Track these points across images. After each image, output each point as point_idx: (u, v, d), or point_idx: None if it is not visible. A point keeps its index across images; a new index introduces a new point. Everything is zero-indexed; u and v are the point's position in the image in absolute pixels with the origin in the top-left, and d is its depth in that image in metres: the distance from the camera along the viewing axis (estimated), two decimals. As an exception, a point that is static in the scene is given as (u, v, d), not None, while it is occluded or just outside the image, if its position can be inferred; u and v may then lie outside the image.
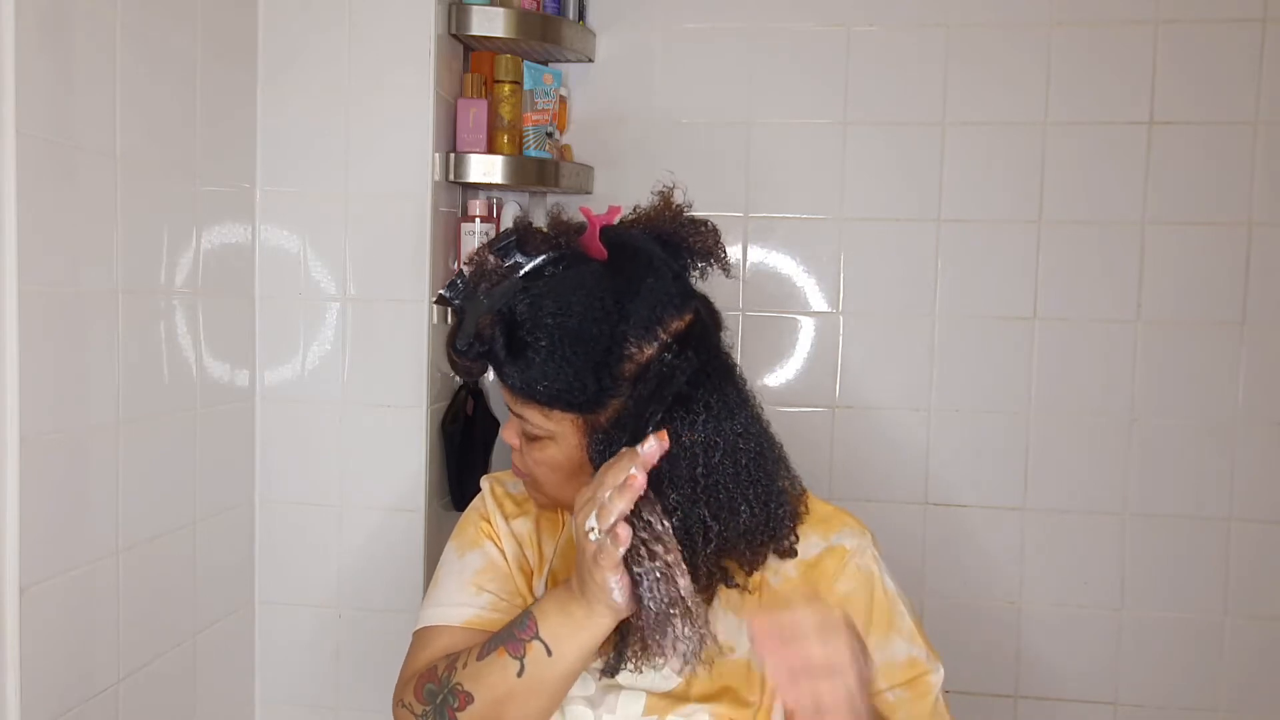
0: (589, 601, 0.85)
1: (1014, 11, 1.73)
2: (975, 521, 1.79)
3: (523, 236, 0.94)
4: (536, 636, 0.87)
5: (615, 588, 0.82)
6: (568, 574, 1.03)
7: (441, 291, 0.97)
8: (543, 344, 0.90)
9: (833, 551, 0.98)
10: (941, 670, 0.96)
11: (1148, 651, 1.76)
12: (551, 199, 1.87)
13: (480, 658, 0.90)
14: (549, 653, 0.87)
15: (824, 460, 1.81)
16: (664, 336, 0.90)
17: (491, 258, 0.94)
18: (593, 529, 0.81)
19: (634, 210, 1.00)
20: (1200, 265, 1.72)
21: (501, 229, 1.72)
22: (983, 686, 1.79)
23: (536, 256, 0.93)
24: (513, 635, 0.89)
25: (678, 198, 0.99)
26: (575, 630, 0.86)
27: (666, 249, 0.96)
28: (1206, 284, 1.72)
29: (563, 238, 0.94)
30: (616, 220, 0.97)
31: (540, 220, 1.54)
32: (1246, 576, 1.74)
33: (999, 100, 1.75)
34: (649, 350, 0.90)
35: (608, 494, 0.81)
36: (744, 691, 0.95)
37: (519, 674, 0.88)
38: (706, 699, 0.94)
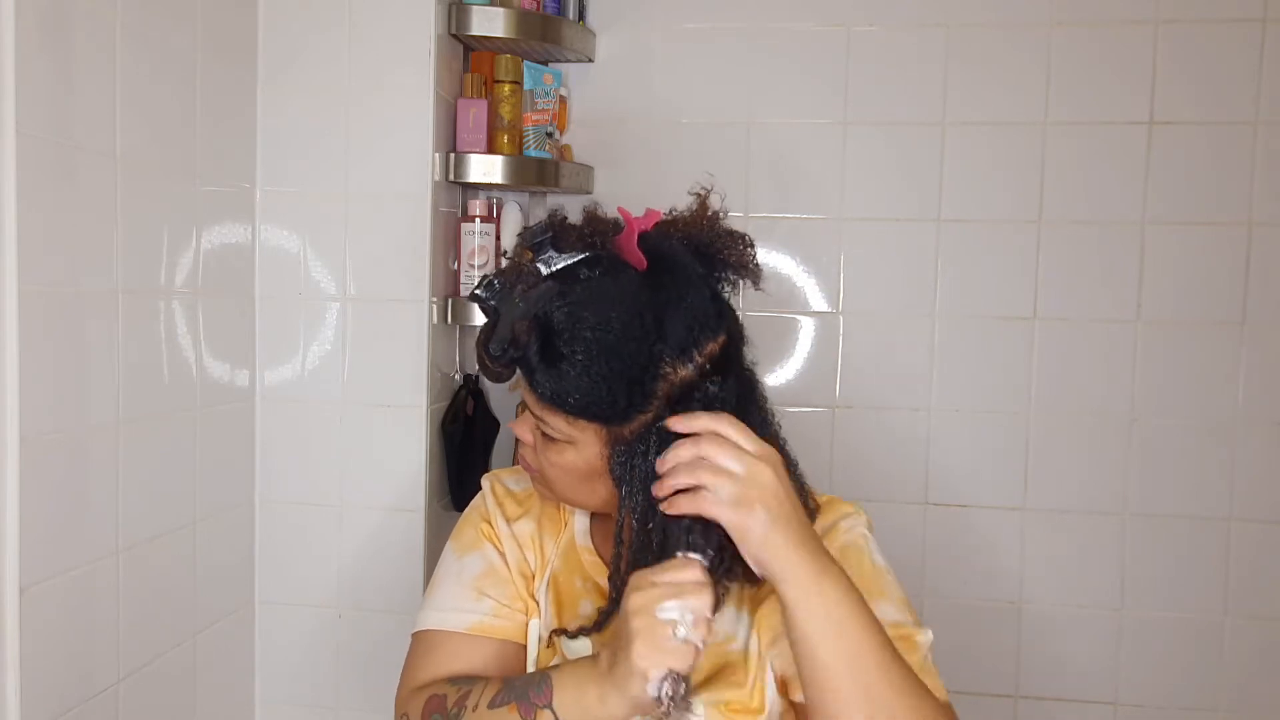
0: (612, 684, 0.84)
1: (1014, 11, 1.73)
2: (975, 521, 1.79)
3: (558, 234, 0.93)
4: (549, 706, 0.87)
5: (654, 683, 0.81)
6: (568, 577, 1.03)
7: (476, 291, 0.95)
8: (579, 357, 0.89)
9: (829, 532, 0.99)
10: (929, 633, 0.95)
11: (1148, 651, 1.76)
12: (552, 199, 1.87)
13: (491, 706, 0.90)
14: None
15: (824, 460, 1.81)
16: (699, 359, 0.90)
17: (526, 252, 0.93)
18: (677, 622, 0.81)
19: (670, 212, 0.98)
20: (1200, 265, 1.72)
21: (502, 229, 1.72)
22: (983, 686, 1.80)
23: (571, 254, 0.92)
24: (526, 696, 0.89)
25: (714, 203, 0.98)
26: (585, 712, 0.86)
27: (701, 260, 0.95)
28: (1206, 284, 1.72)
29: (598, 237, 0.93)
30: (653, 226, 0.95)
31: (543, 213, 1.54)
32: (1246, 576, 1.74)
33: (999, 100, 1.75)
34: (683, 371, 0.90)
35: (708, 604, 0.82)
36: (739, 673, 0.96)
37: None
38: (702, 688, 0.95)
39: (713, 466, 0.84)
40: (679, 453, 0.85)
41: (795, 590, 0.83)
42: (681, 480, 0.85)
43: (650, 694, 0.81)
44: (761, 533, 0.83)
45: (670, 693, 0.81)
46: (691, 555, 0.84)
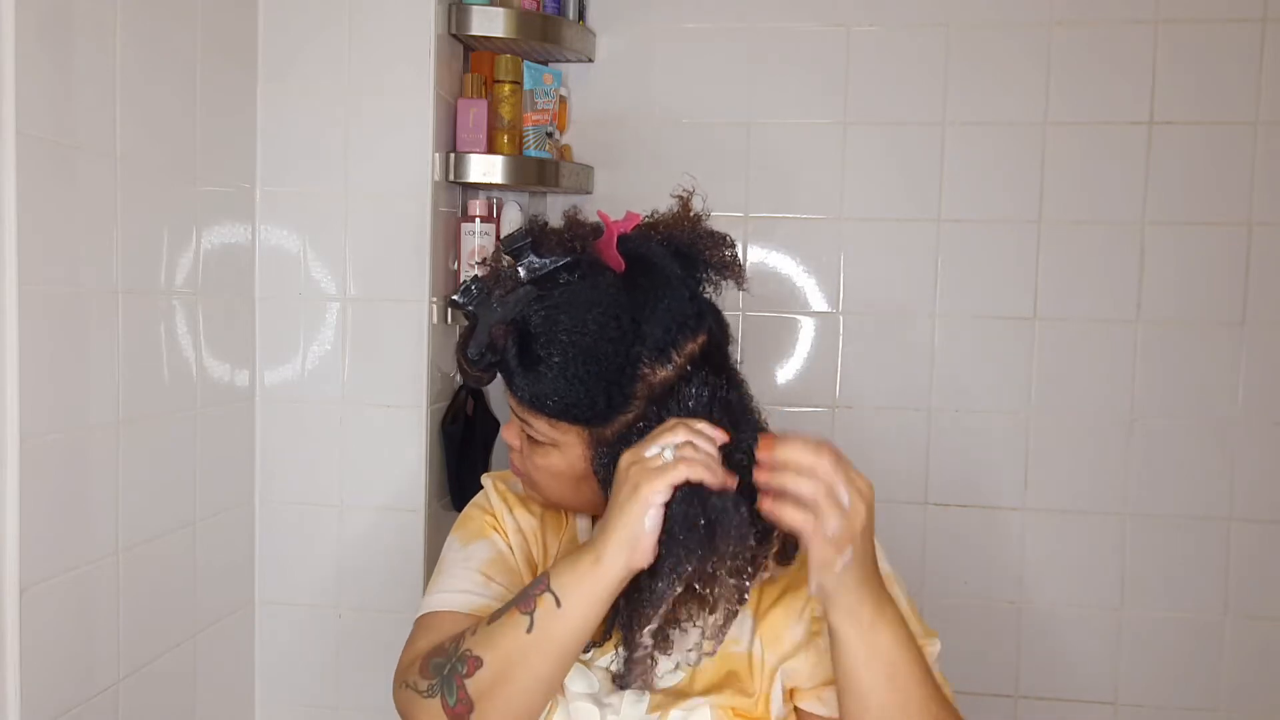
0: (605, 540, 0.84)
1: (1014, 11, 1.73)
2: (975, 521, 1.79)
3: (538, 239, 0.93)
4: (547, 589, 0.87)
5: (653, 509, 0.82)
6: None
7: (454, 297, 0.95)
8: (556, 360, 0.90)
9: None
10: (938, 643, 0.95)
11: (1148, 651, 1.76)
12: (552, 199, 1.87)
13: (491, 622, 0.89)
14: (558, 604, 0.86)
15: (824, 460, 1.80)
16: (678, 359, 0.91)
17: (506, 258, 0.93)
18: (660, 455, 0.83)
19: (652, 214, 0.98)
20: (1200, 265, 1.72)
21: (502, 229, 1.72)
22: (983, 686, 1.79)
23: (550, 258, 0.92)
24: (526, 593, 0.88)
25: (696, 204, 0.98)
26: (581, 578, 0.85)
27: (682, 261, 0.95)
28: (1206, 284, 1.72)
29: (578, 241, 0.93)
30: (633, 229, 0.96)
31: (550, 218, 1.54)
32: (1246, 576, 1.74)
33: (999, 100, 1.75)
34: (662, 372, 0.90)
35: (684, 433, 0.84)
36: (745, 681, 0.96)
37: (529, 629, 0.86)
38: (709, 692, 0.95)
39: (830, 495, 0.80)
40: (797, 456, 0.81)
41: (853, 629, 0.83)
42: (803, 491, 0.80)
43: (646, 526, 0.82)
44: (842, 569, 0.82)
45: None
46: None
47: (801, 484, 0.81)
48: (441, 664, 0.91)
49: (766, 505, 0.82)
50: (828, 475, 0.80)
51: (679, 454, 0.83)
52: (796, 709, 0.96)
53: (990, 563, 1.79)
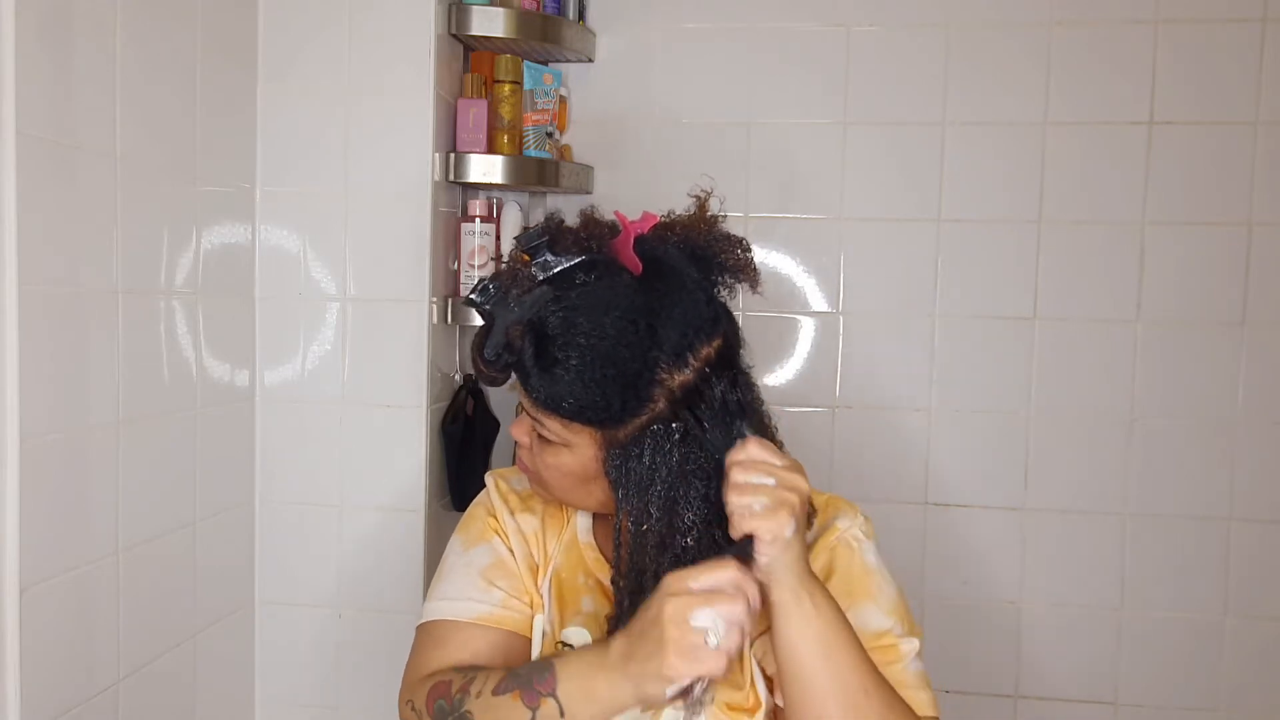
0: (625, 677, 0.83)
1: (1014, 11, 1.73)
2: (975, 521, 1.79)
3: (554, 237, 0.93)
4: (553, 694, 0.86)
5: (675, 686, 0.81)
6: (570, 573, 1.03)
7: (471, 296, 0.95)
8: (573, 362, 0.90)
9: (825, 532, 1.00)
10: (915, 641, 0.96)
11: (1148, 651, 1.76)
12: (551, 199, 1.87)
13: (495, 693, 0.90)
14: (561, 713, 0.86)
15: (824, 460, 1.81)
16: (695, 363, 0.91)
17: (522, 256, 0.93)
18: (709, 631, 0.80)
19: (668, 214, 0.98)
20: (1200, 265, 1.72)
21: (502, 229, 1.72)
22: (983, 686, 1.79)
23: (565, 257, 0.92)
24: (530, 684, 0.88)
25: (713, 206, 0.98)
26: (591, 702, 0.86)
27: (698, 264, 0.95)
28: (1206, 284, 1.72)
29: (594, 241, 0.93)
30: (650, 229, 0.96)
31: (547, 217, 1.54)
32: (1246, 576, 1.74)
33: (999, 100, 1.75)
34: (679, 376, 0.90)
35: (742, 611, 0.80)
36: (736, 675, 0.96)
37: None
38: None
39: (747, 487, 0.85)
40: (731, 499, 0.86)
41: (793, 601, 0.86)
42: (735, 479, 0.86)
43: (668, 695, 0.81)
44: (787, 542, 0.85)
45: (695, 695, 0.82)
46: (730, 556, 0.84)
47: (734, 474, 0.86)
48: (445, 712, 0.92)
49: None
50: (735, 480, 0.86)
51: (725, 642, 0.80)
52: (775, 706, 0.96)
53: (990, 563, 1.79)
